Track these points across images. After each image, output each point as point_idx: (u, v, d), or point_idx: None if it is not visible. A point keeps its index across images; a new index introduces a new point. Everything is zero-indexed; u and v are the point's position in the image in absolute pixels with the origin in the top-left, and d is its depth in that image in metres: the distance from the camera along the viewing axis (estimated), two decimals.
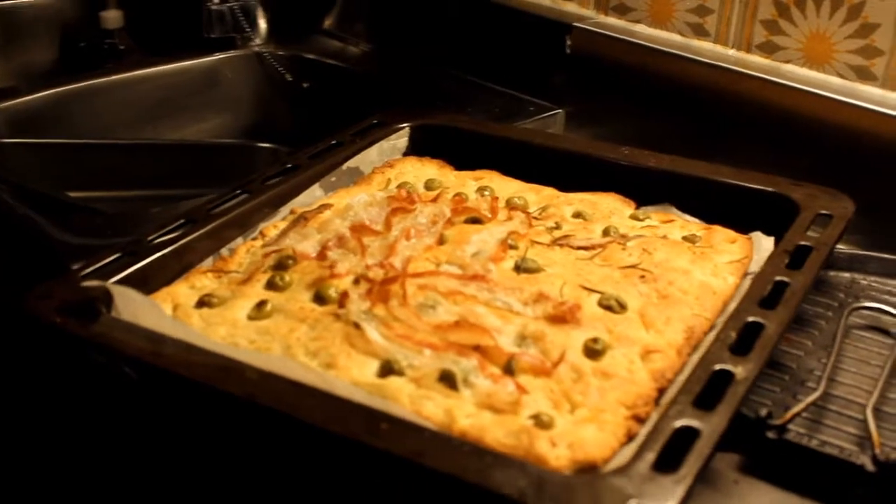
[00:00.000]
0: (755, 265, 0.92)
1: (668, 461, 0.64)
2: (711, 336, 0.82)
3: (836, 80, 1.13)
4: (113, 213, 1.08)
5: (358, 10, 1.64)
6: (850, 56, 1.11)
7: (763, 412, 0.76)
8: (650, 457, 0.64)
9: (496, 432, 0.69)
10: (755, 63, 1.19)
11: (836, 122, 1.12)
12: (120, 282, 0.83)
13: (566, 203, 1.03)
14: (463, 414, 0.71)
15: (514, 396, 0.72)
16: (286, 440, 0.71)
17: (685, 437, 0.66)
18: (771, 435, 0.75)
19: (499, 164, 1.11)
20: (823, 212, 0.95)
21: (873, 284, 1.00)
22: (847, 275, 1.01)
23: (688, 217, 1.02)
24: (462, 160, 1.12)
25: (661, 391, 0.76)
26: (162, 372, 0.73)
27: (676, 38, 1.26)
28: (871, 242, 1.07)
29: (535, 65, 1.37)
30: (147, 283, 0.86)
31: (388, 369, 0.75)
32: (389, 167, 1.10)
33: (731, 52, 1.21)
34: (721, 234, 0.98)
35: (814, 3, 1.12)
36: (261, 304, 0.83)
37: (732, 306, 0.86)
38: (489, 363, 0.75)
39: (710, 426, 0.67)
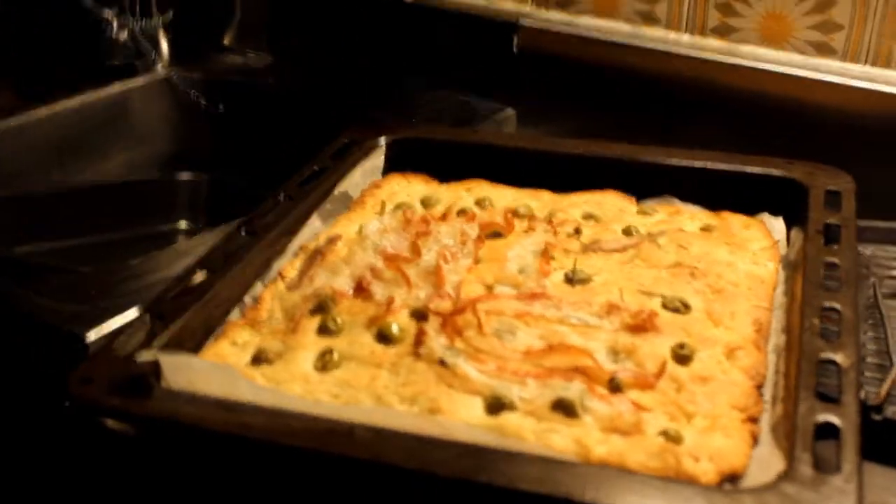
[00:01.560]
0: (784, 248, 0.93)
1: (825, 462, 0.64)
2: (776, 325, 0.82)
3: (796, 57, 1.16)
4: (86, 272, 0.98)
5: (258, 22, 1.56)
6: (809, 32, 1.14)
7: (862, 395, 0.76)
8: (807, 458, 0.63)
9: (636, 456, 0.66)
10: (711, 46, 1.20)
11: (797, 97, 1.14)
12: (162, 348, 0.75)
13: (571, 206, 1.01)
14: (594, 441, 0.68)
15: (636, 416, 0.70)
16: (422, 498, 0.66)
17: (827, 433, 0.66)
18: (877, 417, 0.75)
19: (481, 172, 1.07)
20: (832, 188, 0.97)
21: (878, 253, 1.03)
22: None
23: (692, 207, 1.02)
24: (442, 171, 1.08)
25: (759, 388, 0.75)
26: (256, 445, 0.67)
27: (625, 27, 1.25)
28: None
29: (479, 66, 1.34)
30: (180, 344, 0.78)
31: (496, 405, 0.71)
32: (377, 188, 1.05)
33: (685, 37, 1.22)
34: (735, 220, 0.98)
35: None
36: (325, 354, 0.77)
37: (779, 291, 0.87)
38: (596, 384, 0.73)
39: (846, 420, 0.66)
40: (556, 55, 1.28)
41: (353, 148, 1.08)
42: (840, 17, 1.11)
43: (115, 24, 1.41)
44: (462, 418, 0.70)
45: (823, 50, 1.14)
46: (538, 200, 1.03)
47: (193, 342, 0.80)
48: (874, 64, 1.12)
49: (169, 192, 1.37)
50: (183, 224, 1.36)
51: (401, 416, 0.69)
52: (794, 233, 0.96)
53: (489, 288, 0.85)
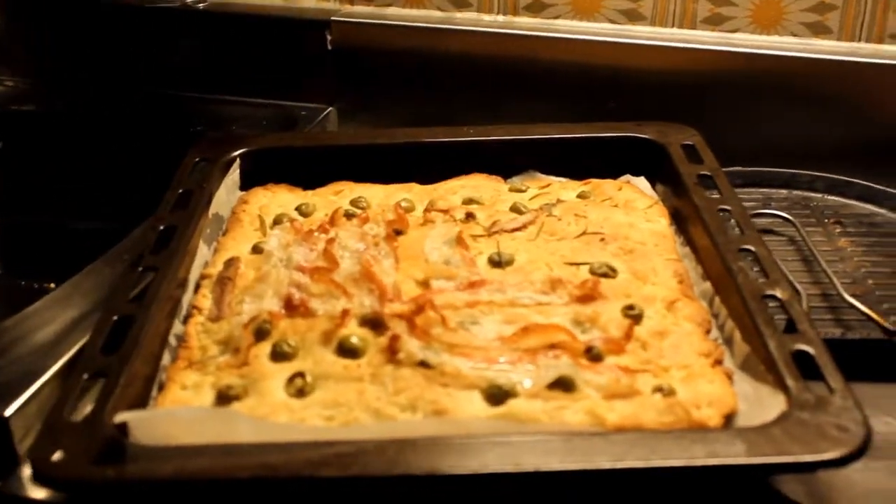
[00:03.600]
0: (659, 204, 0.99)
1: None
2: (693, 274, 0.87)
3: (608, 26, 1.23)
4: None
5: (15, 44, 1.42)
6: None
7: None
8: (802, 385, 0.68)
9: (648, 415, 0.68)
10: (519, 23, 1.24)
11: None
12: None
13: (448, 193, 1.01)
14: (604, 410, 0.69)
15: (630, 379, 0.72)
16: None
17: (808, 359, 0.71)
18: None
19: (340, 174, 1.05)
20: (686, 142, 1.04)
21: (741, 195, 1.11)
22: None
23: (559, 178, 1.05)
24: (301, 179, 1.04)
25: (707, 333, 0.80)
26: (284, 483, 0.62)
27: (435, 13, 1.26)
28: None
29: (292, 69, 1.30)
30: (130, 398, 0.71)
31: (497, 395, 0.70)
32: (245, 203, 1.00)
33: (500, 17, 1.25)
34: (606, 185, 1.02)
35: None
36: (295, 378, 0.72)
37: (678, 243, 0.93)
38: (574, 356, 0.74)
39: (815, 346, 0.72)
40: (371, 48, 1.27)
41: (208, 166, 1.02)
42: None
43: None
44: (468, 412, 0.69)
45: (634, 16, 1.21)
46: (411, 192, 1.02)
47: (140, 394, 0.73)
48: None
49: None
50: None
51: (416, 425, 0.67)
52: (660, 188, 1.02)
53: (424, 284, 0.84)
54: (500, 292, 0.81)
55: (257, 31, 1.30)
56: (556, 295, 0.81)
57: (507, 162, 1.05)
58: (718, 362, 0.76)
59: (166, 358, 0.77)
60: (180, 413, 0.67)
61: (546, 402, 0.70)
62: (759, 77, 1.18)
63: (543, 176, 1.05)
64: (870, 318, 0.85)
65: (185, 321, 0.82)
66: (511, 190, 1.03)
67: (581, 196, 1.01)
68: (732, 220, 0.89)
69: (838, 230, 1.04)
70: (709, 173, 0.97)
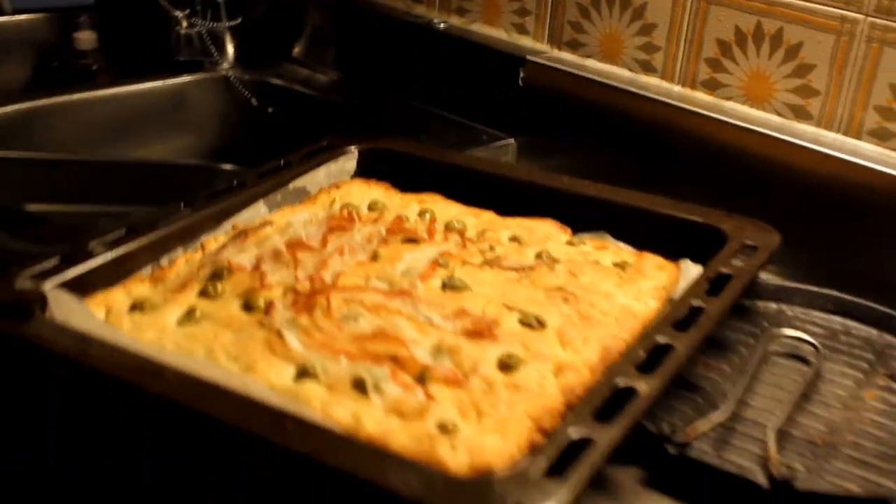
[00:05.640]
0: (680, 291, 0.95)
1: (561, 469, 0.67)
2: None
3: (774, 119, 1.17)
4: (61, 223, 1.10)
5: (325, 39, 1.68)
6: (788, 95, 1.15)
7: (666, 429, 0.78)
8: (542, 463, 0.67)
9: (400, 437, 0.71)
10: (699, 100, 1.22)
11: (773, 158, 1.15)
12: (58, 286, 0.86)
13: (504, 227, 1.06)
14: (371, 419, 0.73)
15: (421, 404, 0.74)
16: (200, 437, 0.73)
17: (581, 448, 0.68)
18: (672, 450, 0.77)
19: (442, 188, 1.13)
20: (749, 243, 0.98)
21: (799, 315, 1.03)
22: (774, 305, 1.04)
23: (621, 244, 1.05)
24: (408, 183, 1.15)
25: (571, 407, 0.78)
26: (87, 370, 0.76)
27: (625, 73, 1.29)
28: (800, 275, 1.10)
29: (490, 96, 1.40)
30: (85, 288, 0.89)
31: (303, 374, 0.77)
32: (336, 188, 1.13)
33: (677, 88, 1.25)
34: (650, 260, 1.00)
35: (754, 43, 1.16)
36: (190, 312, 0.86)
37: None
38: (403, 373, 0.78)
39: (605, 437, 0.69)
40: (559, 92, 1.33)
41: (326, 151, 1.17)
42: (818, 83, 1.12)
43: (184, 24, 1.56)
44: (270, 380, 0.77)
45: (800, 113, 1.14)
46: (477, 218, 1.08)
47: (97, 287, 0.90)
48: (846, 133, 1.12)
49: (206, 178, 1.49)
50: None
51: (209, 366, 0.77)
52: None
53: (366, 281, 0.91)
54: (412, 307, 0.87)
55: (473, 55, 1.41)
56: (452, 323, 0.85)
57: (583, 217, 1.07)
58: (544, 432, 0.75)
59: (147, 271, 0.94)
60: (62, 297, 0.83)
61: (331, 394, 0.75)
62: None
63: (609, 238, 1.06)
64: (768, 457, 0.77)
65: (187, 252, 0.97)
66: (567, 242, 1.05)
67: (619, 265, 1.00)
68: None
69: (882, 383, 0.91)
70: (730, 272, 0.92)
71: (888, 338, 0.99)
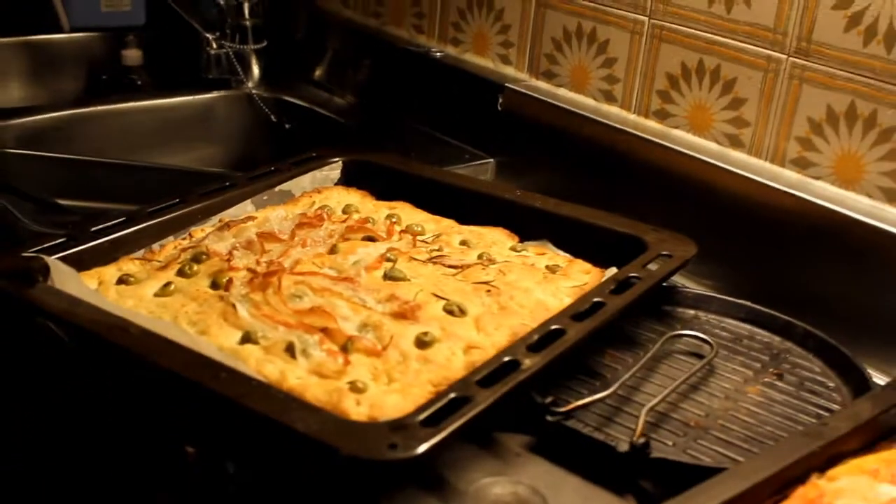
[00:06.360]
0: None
1: (437, 421, 0.80)
2: None
3: (713, 146, 1.29)
4: (79, 214, 1.28)
5: (343, 64, 1.85)
6: (724, 125, 1.28)
7: (548, 399, 0.91)
8: (421, 415, 0.80)
9: (316, 391, 0.86)
10: (651, 127, 1.35)
11: (711, 182, 1.27)
12: (58, 259, 1.03)
13: (457, 233, 1.20)
14: (294, 376, 0.88)
15: (339, 366, 0.89)
16: (154, 383, 0.89)
17: (459, 405, 0.82)
18: (550, 418, 0.90)
19: (414, 198, 1.28)
20: (665, 252, 1.11)
21: (711, 320, 1.15)
22: (691, 311, 1.17)
23: (560, 252, 1.18)
24: (384, 193, 1.30)
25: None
26: (73, 326, 0.92)
27: (591, 101, 1.43)
28: (727, 287, 1.22)
29: (475, 119, 1.55)
30: (83, 263, 1.06)
31: (246, 339, 0.93)
32: (318, 192, 1.29)
33: (633, 116, 1.38)
34: (579, 265, 1.13)
35: (697, 77, 1.29)
36: (166, 286, 1.02)
37: None
38: (330, 342, 0.92)
39: (481, 397, 0.83)
40: (532, 118, 1.47)
41: (314, 160, 1.33)
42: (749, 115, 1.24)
43: (214, 45, 1.74)
44: (219, 342, 0.92)
45: (735, 142, 1.27)
46: (437, 224, 1.23)
47: (94, 264, 1.07)
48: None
49: None
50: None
51: (170, 327, 0.92)
52: None
53: (320, 269, 1.06)
54: (352, 291, 1.02)
55: (463, 82, 1.57)
56: (383, 305, 0.99)
57: (530, 226, 1.21)
58: (439, 394, 0.88)
59: (139, 254, 1.11)
60: (61, 267, 0.99)
61: (266, 354, 0.90)
62: (828, 233, 1.16)
63: (550, 247, 1.19)
64: (635, 430, 0.89)
65: (176, 240, 1.14)
66: (511, 248, 1.18)
67: (550, 268, 1.13)
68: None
69: (766, 380, 1.03)
70: (639, 276, 1.05)
71: (788, 344, 1.11)
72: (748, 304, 1.15)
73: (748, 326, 1.14)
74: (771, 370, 1.05)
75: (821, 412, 0.98)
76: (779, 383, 1.03)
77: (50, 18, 1.95)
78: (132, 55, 1.93)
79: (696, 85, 1.29)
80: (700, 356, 1.06)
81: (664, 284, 1.16)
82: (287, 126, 1.75)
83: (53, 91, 1.94)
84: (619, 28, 1.37)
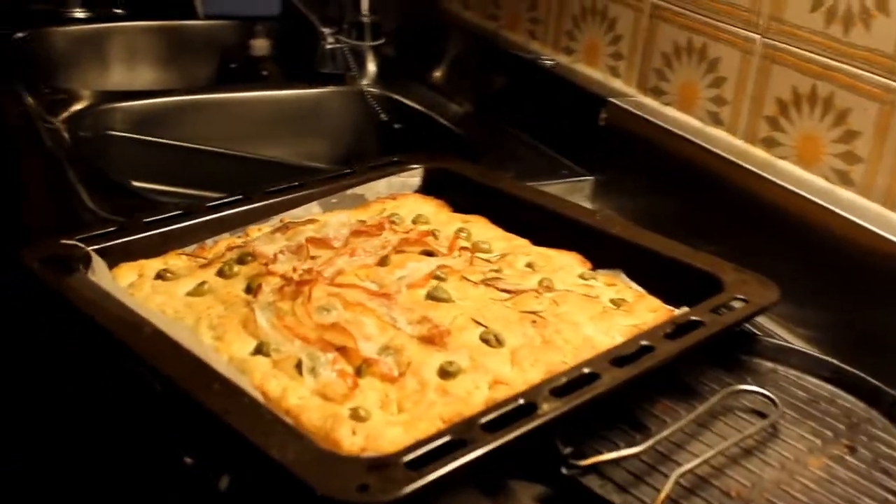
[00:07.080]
0: None
1: (423, 464, 0.73)
2: None
3: (821, 182, 1.17)
4: (155, 201, 1.28)
5: (459, 68, 1.79)
6: (834, 160, 1.15)
7: (567, 450, 0.83)
8: (408, 456, 0.74)
9: (313, 414, 0.81)
10: (757, 156, 1.24)
11: (815, 223, 1.15)
12: (104, 250, 1.02)
13: (525, 254, 1.13)
14: (296, 395, 0.83)
15: (346, 389, 0.84)
16: (154, 385, 0.86)
17: (452, 448, 0.75)
18: (565, 471, 0.82)
19: (493, 213, 1.21)
20: (740, 296, 1.00)
21: (789, 376, 1.03)
22: (770, 364, 1.05)
23: (632, 284, 1.09)
24: (464, 204, 1.24)
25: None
26: (90, 319, 0.91)
27: (696, 123, 1.32)
28: (823, 339, 1.11)
29: (579, 133, 1.47)
30: (131, 254, 1.04)
31: (259, 350, 0.89)
32: (392, 199, 1.24)
33: (739, 142, 1.27)
34: (648, 302, 1.04)
35: (808, 104, 1.17)
36: (200, 285, 0.99)
37: None
38: (345, 362, 0.87)
39: (479, 442, 0.76)
40: (632, 135, 1.37)
41: (393, 165, 1.28)
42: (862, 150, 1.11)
43: (330, 40, 1.72)
44: (231, 350, 0.89)
45: (845, 179, 1.14)
46: (508, 243, 1.16)
47: (142, 255, 1.05)
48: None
49: None
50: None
51: (184, 331, 0.89)
52: None
53: (360, 280, 1.01)
54: (386, 308, 0.96)
55: (571, 92, 1.48)
56: (412, 327, 0.93)
57: (606, 253, 1.12)
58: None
59: (190, 248, 1.09)
60: (98, 260, 0.98)
61: (273, 368, 0.86)
62: None
63: (622, 277, 1.10)
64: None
65: (231, 237, 1.11)
66: (580, 276, 1.10)
67: (615, 302, 1.05)
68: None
69: (835, 452, 0.91)
70: (701, 320, 0.95)
71: (873, 413, 0.98)
72: (834, 362, 1.03)
73: (830, 387, 1.01)
74: (844, 441, 0.93)
75: (890, 498, 0.86)
76: (849, 458, 0.91)
77: (187, 4, 1.99)
78: (260, 45, 1.94)
79: (808, 113, 1.17)
80: (760, 414, 0.96)
81: (743, 330, 1.06)
82: (396, 126, 1.71)
83: (182, 76, 1.97)
84: (729, 45, 1.26)
